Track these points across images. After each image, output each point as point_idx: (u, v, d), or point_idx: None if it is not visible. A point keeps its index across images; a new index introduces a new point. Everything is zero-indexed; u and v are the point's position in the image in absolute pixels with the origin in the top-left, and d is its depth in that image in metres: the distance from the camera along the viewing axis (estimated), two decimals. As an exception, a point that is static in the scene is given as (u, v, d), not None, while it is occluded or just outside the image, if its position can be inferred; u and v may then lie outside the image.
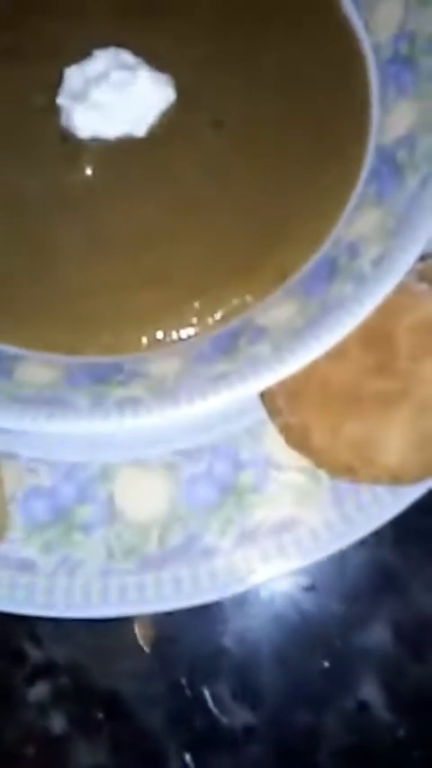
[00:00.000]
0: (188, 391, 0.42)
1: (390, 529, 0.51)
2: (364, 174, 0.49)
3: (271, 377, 0.42)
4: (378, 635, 0.52)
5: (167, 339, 0.48)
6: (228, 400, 0.42)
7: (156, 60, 0.51)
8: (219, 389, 0.42)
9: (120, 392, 0.43)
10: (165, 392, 0.43)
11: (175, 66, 0.51)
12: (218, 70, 0.51)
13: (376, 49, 0.51)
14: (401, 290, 0.45)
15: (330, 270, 0.46)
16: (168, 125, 0.50)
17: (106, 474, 0.49)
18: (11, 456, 0.50)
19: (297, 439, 0.47)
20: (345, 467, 0.46)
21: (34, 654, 0.53)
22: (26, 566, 0.48)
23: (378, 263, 0.44)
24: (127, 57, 0.50)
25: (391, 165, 0.48)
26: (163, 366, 0.45)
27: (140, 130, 0.51)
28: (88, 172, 0.50)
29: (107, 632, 0.51)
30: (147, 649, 0.51)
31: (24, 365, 0.46)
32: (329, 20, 0.52)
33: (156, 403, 0.42)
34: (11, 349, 0.47)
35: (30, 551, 0.48)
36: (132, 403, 0.42)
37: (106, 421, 0.42)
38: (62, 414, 0.42)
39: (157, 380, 0.44)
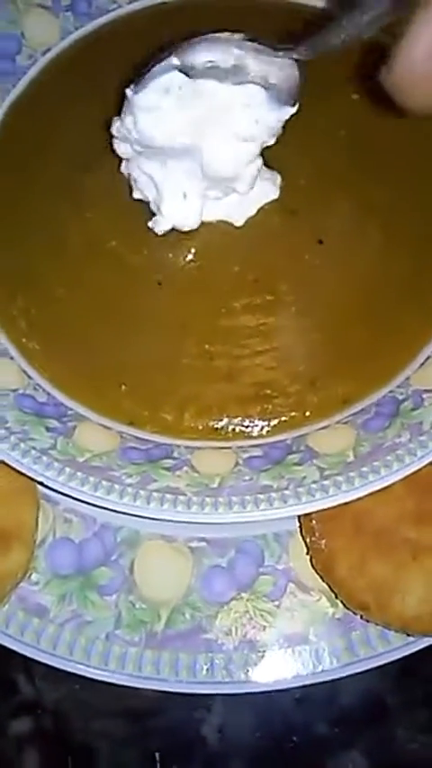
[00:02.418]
0: (229, 499, 0.44)
1: (393, 665, 0.51)
2: (449, 322, 0.50)
3: (311, 505, 0.44)
4: (354, 764, 0.53)
5: (223, 432, 0.50)
6: (265, 517, 0.44)
7: (273, 161, 0.52)
8: (258, 504, 0.44)
9: (166, 479, 0.45)
10: (207, 493, 0.44)
11: (291, 174, 0.53)
12: (329, 190, 0.54)
13: None
14: (458, 446, 0.46)
15: (392, 410, 0.47)
16: (272, 233, 0.52)
17: (132, 542, 0.51)
18: (50, 500, 0.52)
19: (322, 563, 0.48)
20: (360, 603, 0.47)
21: (25, 689, 0.54)
22: (40, 611, 0.50)
23: (440, 420, 0.45)
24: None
25: None
26: (211, 462, 0.47)
27: (239, 220, 0.53)
28: (189, 255, 0.53)
29: (99, 689, 0.52)
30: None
31: (85, 427, 0.49)
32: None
33: (196, 501, 0.44)
34: (78, 407, 0.50)
35: (46, 598, 0.50)
36: (174, 495, 0.44)
37: (145, 507, 0.44)
38: (107, 489, 0.44)
39: (203, 478, 0.46)
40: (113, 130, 0.50)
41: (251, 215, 0.53)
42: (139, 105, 0.47)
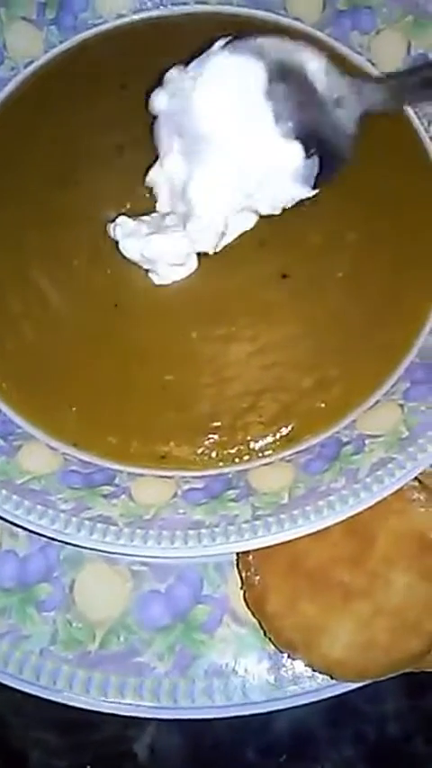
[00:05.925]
0: (159, 532, 0.44)
1: (326, 700, 0.52)
2: (402, 369, 0.50)
3: (239, 545, 0.44)
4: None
5: (167, 461, 0.50)
6: (193, 553, 0.44)
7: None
8: (187, 541, 0.44)
9: (100, 507, 0.46)
10: (139, 524, 0.45)
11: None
12: (301, 224, 0.53)
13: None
14: (397, 493, 0.46)
15: (334, 452, 0.47)
16: (238, 263, 0.52)
17: (75, 561, 0.52)
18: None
19: (254, 598, 0.48)
20: (288, 642, 0.47)
21: (-34, 694, 0.56)
22: (-20, 622, 0.51)
23: (375, 470, 0.45)
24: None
25: (428, 372, 0.48)
26: (150, 491, 0.48)
27: (212, 248, 0.52)
28: (147, 281, 0.52)
29: (38, 700, 0.53)
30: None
31: (30, 447, 0.49)
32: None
33: (126, 533, 0.44)
34: (25, 425, 0.50)
35: (-16, 610, 0.51)
36: (105, 525, 0.45)
37: (75, 535, 0.44)
38: (40, 513, 0.45)
39: (138, 508, 0.46)
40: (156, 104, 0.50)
41: (226, 244, 0.53)
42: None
